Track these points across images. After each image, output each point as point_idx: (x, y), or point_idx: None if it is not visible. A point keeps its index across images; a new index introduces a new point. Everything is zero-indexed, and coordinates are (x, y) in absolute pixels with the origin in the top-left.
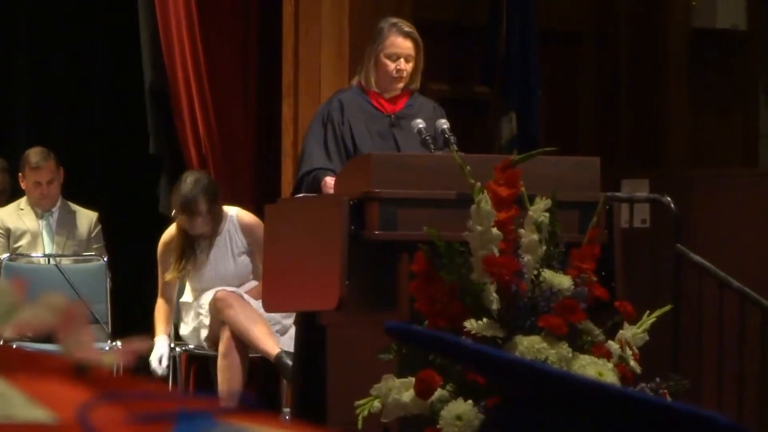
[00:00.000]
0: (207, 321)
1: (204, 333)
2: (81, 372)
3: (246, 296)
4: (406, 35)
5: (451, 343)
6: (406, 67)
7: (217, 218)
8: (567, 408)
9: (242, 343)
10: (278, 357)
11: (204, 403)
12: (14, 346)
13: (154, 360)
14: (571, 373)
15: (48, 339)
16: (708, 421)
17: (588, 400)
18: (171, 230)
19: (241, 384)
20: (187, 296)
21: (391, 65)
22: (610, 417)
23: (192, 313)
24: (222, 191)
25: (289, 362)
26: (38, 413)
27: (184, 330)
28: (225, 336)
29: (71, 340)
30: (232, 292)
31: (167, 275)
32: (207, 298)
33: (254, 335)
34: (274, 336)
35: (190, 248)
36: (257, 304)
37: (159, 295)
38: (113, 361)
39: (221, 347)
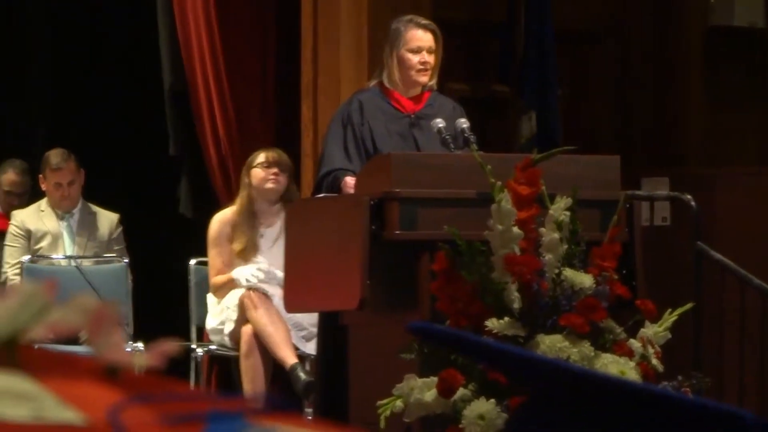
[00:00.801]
0: (234, 316)
1: (229, 327)
2: (112, 373)
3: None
4: (425, 27)
5: (473, 342)
6: (430, 59)
7: (288, 195)
8: (591, 406)
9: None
10: (292, 368)
11: (234, 404)
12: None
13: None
14: (595, 371)
15: (73, 340)
16: (734, 417)
17: (612, 398)
18: (231, 209)
19: (264, 385)
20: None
21: (415, 59)
22: (635, 414)
23: (219, 307)
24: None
25: (303, 375)
26: (69, 414)
27: (210, 323)
28: (246, 336)
29: (102, 341)
30: (262, 293)
31: (235, 245)
32: (236, 294)
33: (274, 340)
34: (292, 345)
35: (253, 228)
36: None
37: (212, 277)
38: (144, 363)
39: (243, 347)
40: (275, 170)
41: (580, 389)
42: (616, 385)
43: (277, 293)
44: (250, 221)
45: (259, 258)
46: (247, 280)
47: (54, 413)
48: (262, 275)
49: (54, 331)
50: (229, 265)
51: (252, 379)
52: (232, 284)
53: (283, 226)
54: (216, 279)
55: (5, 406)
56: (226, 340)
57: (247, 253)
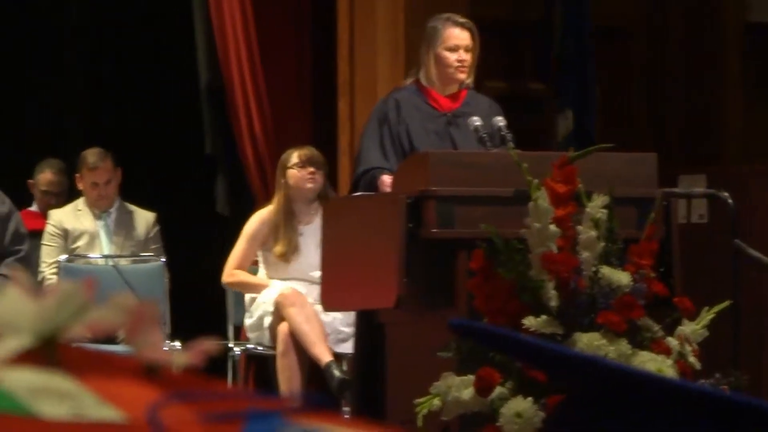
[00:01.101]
0: (271, 309)
1: (267, 321)
2: (150, 372)
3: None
4: (462, 26)
5: (513, 339)
6: (467, 57)
7: (324, 192)
8: (629, 403)
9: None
10: (327, 365)
11: (273, 403)
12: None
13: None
14: (635, 368)
15: (111, 340)
16: None
17: (650, 395)
18: (267, 209)
19: (300, 383)
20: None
21: (452, 57)
22: (674, 411)
23: (256, 303)
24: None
25: (337, 373)
26: (108, 412)
27: (248, 319)
28: (282, 335)
29: (140, 340)
30: (298, 292)
31: (277, 247)
32: (272, 292)
33: (309, 339)
34: (327, 342)
35: (293, 229)
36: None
37: (232, 267)
38: (182, 362)
39: (279, 346)
40: (311, 169)
41: (619, 386)
42: (654, 382)
43: (312, 294)
44: (289, 222)
45: (302, 260)
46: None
47: (93, 411)
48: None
49: (93, 330)
50: (246, 266)
51: (288, 377)
52: (251, 288)
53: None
54: (234, 273)
55: (45, 404)
56: (266, 335)
57: (288, 255)
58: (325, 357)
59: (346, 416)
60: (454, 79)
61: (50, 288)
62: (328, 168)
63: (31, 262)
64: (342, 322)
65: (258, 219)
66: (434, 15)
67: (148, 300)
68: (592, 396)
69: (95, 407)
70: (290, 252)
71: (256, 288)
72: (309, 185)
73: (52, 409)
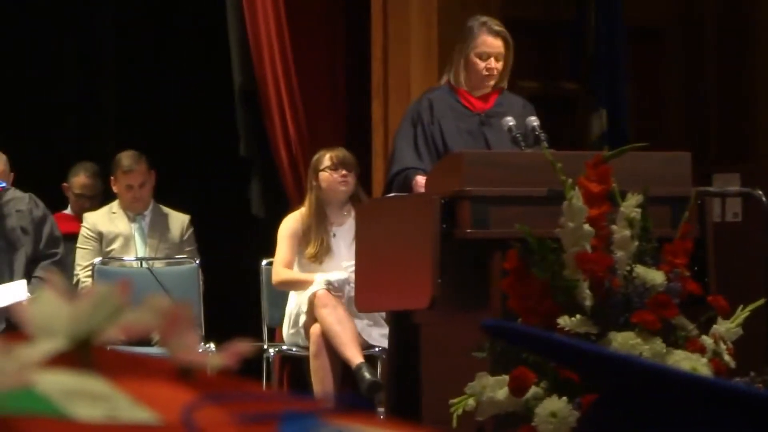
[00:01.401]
0: (305, 308)
1: (302, 320)
2: (185, 374)
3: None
4: (497, 34)
5: (547, 340)
6: (497, 65)
7: (356, 193)
8: (664, 402)
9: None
10: (358, 367)
11: (307, 404)
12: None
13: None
14: (669, 367)
15: (146, 342)
16: None
17: (686, 394)
18: (300, 212)
19: (333, 384)
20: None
21: (482, 64)
22: (709, 410)
23: (296, 301)
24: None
25: (368, 375)
26: (143, 414)
27: (286, 317)
28: (315, 335)
29: (175, 342)
30: (329, 294)
31: (309, 249)
32: (307, 292)
33: (340, 340)
34: (359, 344)
35: (325, 230)
36: None
37: (279, 267)
38: (218, 363)
39: (312, 347)
40: (344, 172)
41: (654, 385)
42: (689, 381)
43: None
44: (321, 224)
45: (334, 261)
46: (328, 281)
47: (128, 413)
48: (343, 276)
49: (127, 332)
50: (293, 264)
51: (321, 379)
52: (300, 285)
53: (355, 224)
54: (281, 274)
55: (80, 406)
56: (301, 333)
57: (321, 256)
58: (356, 359)
59: (381, 417)
60: (482, 86)
61: (85, 291)
62: (362, 170)
63: (66, 265)
64: (376, 323)
65: (291, 220)
66: (468, 16)
67: (183, 302)
68: (626, 395)
69: (129, 409)
70: (322, 253)
71: (305, 284)
72: (342, 188)
73: (86, 411)
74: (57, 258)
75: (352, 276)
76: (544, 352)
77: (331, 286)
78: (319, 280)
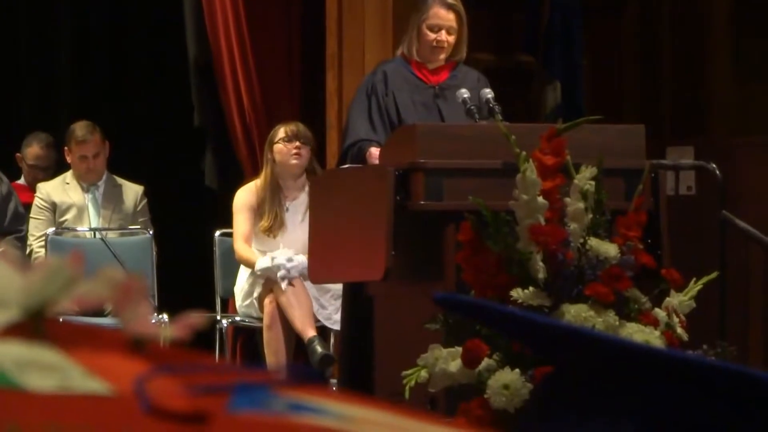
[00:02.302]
0: (260, 281)
1: (256, 292)
2: (138, 345)
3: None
4: (449, 7)
5: (499, 312)
6: (448, 38)
7: (311, 167)
8: (618, 373)
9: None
10: (310, 340)
11: (260, 376)
12: (67, 321)
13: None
14: (623, 338)
15: (99, 313)
16: (761, 381)
17: (640, 365)
18: (255, 183)
19: (287, 356)
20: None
21: (432, 36)
22: (663, 380)
23: (247, 273)
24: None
25: (319, 348)
26: (95, 385)
27: (237, 288)
28: (269, 308)
29: (128, 313)
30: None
31: (263, 222)
32: (264, 262)
33: (294, 313)
34: (312, 318)
35: (279, 204)
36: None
37: (240, 241)
38: (170, 335)
39: (265, 319)
40: (297, 144)
41: (607, 357)
42: (643, 352)
43: (298, 262)
44: (275, 196)
45: (288, 235)
46: (276, 271)
47: (80, 383)
48: (283, 264)
49: (80, 304)
50: (252, 236)
51: (275, 351)
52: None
53: (309, 198)
54: (242, 250)
55: (32, 377)
56: (255, 305)
57: (274, 230)
58: (308, 332)
59: (333, 389)
60: (432, 58)
61: (38, 262)
62: (316, 142)
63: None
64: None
65: (245, 192)
66: None
67: (136, 273)
68: (579, 367)
69: (82, 380)
70: (276, 227)
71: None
72: (294, 161)
73: (38, 382)
74: (21, 234)
75: (297, 257)
76: (495, 325)
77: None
78: (265, 261)
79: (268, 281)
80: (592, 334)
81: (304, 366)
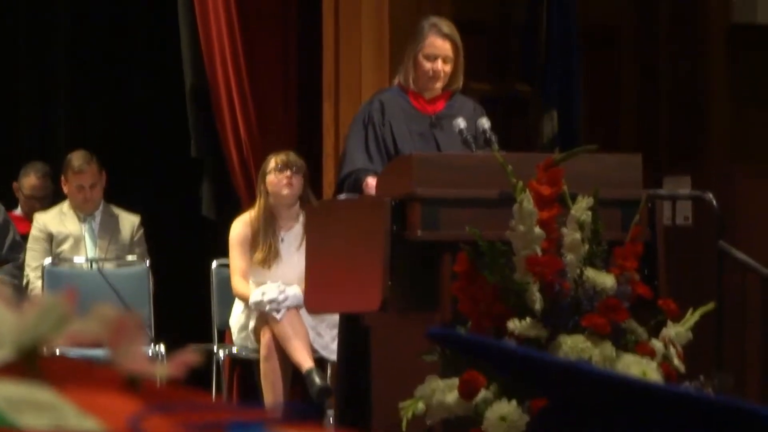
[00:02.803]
0: (255, 314)
1: (252, 323)
2: (132, 383)
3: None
4: (445, 36)
5: (493, 348)
6: (444, 68)
7: (305, 195)
8: (613, 408)
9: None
10: (308, 372)
11: (254, 414)
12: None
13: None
14: (617, 373)
15: (95, 345)
16: (758, 415)
17: (634, 400)
18: (249, 214)
19: (284, 388)
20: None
21: (428, 65)
22: (658, 416)
23: (242, 305)
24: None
25: (317, 380)
26: (89, 424)
27: (233, 320)
28: (265, 339)
29: (122, 351)
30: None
31: (257, 254)
32: (255, 296)
33: (291, 344)
34: (309, 349)
35: (273, 235)
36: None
37: (237, 276)
38: (165, 373)
39: (262, 351)
40: (288, 173)
41: (602, 391)
42: (638, 387)
43: (291, 295)
44: (269, 227)
45: (283, 266)
46: (267, 307)
47: (74, 423)
48: (275, 298)
49: (74, 341)
50: (249, 270)
51: (271, 382)
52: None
53: (303, 228)
54: (238, 286)
55: (26, 416)
56: (251, 337)
57: (269, 261)
58: (306, 364)
59: (330, 426)
60: (428, 87)
61: (32, 298)
62: (313, 171)
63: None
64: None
65: (240, 224)
66: (419, 18)
67: (131, 309)
68: (575, 401)
69: (76, 419)
70: (271, 258)
71: None
72: (285, 191)
73: (33, 421)
74: (19, 262)
75: (290, 289)
76: (489, 360)
77: (274, 311)
78: (256, 295)
79: (263, 313)
80: (587, 369)
81: (300, 403)
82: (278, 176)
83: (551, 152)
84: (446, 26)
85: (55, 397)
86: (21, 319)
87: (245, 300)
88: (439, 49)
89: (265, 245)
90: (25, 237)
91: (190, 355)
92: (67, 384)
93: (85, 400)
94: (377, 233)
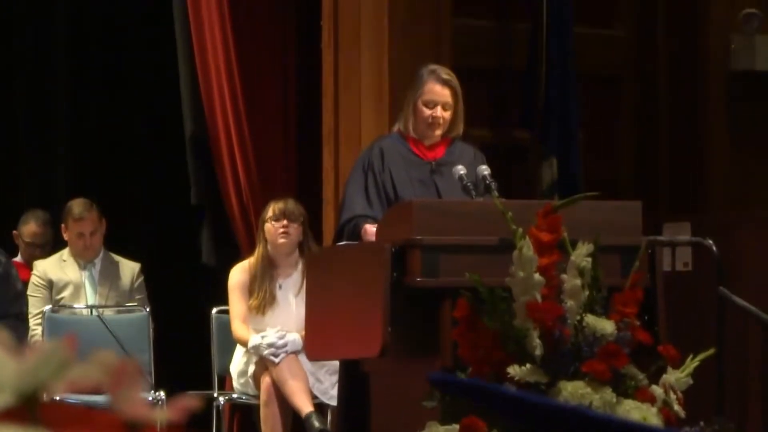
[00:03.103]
0: (255, 358)
1: (251, 369)
2: (132, 428)
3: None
4: (444, 83)
5: (494, 393)
6: (443, 114)
7: (305, 242)
8: None
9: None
10: (308, 416)
11: None
12: (63, 400)
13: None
14: (618, 417)
15: (96, 390)
16: None
17: None
18: (248, 261)
19: None
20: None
21: (428, 112)
22: None
23: (242, 351)
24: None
25: (317, 424)
26: None
27: (235, 365)
28: (265, 383)
29: (122, 396)
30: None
31: (252, 301)
32: (255, 340)
33: (290, 389)
34: (309, 393)
35: (271, 281)
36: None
37: (237, 321)
38: (165, 418)
39: (262, 395)
40: (284, 222)
41: None
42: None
43: (290, 340)
44: (266, 274)
45: (279, 313)
46: (264, 351)
47: None
48: (274, 343)
49: (74, 387)
50: (248, 316)
51: (272, 427)
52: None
53: (302, 275)
54: (237, 330)
55: None
56: (250, 383)
57: (264, 307)
58: (305, 408)
59: None
60: (428, 134)
61: (32, 345)
62: (313, 217)
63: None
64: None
65: (239, 271)
66: (419, 65)
67: (130, 356)
68: None
69: None
70: (266, 304)
71: None
72: (281, 240)
73: None
74: (21, 312)
75: (289, 335)
76: (490, 405)
77: (271, 356)
78: (255, 339)
79: (262, 359)
80: (587, 414)
81: None
82: (275, 225)
83: (551, 199)
84: (445, 73)
85: None
86: (21, 365)
87: (245, 344)
88: (439, 95)
89: (260, 292)
90: (25, 284)
91: (190, 400)
92: (66, 429)
93: None
94: (377, 280)
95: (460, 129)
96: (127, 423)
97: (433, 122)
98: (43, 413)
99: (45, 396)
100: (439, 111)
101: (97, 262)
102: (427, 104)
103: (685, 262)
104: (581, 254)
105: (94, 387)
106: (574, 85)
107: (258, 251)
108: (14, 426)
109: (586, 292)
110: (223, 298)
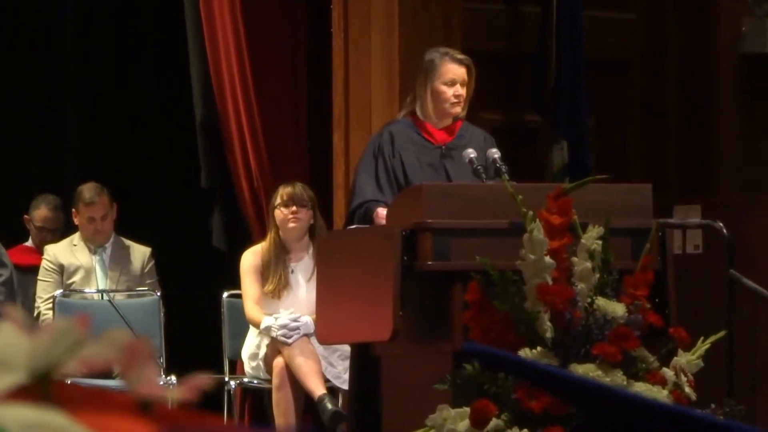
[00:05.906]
0: (267, 340)
1: (263, 352)
2: (145, 408)
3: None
4: (460, 62)
5: (525, 365)
6: (463, 91)
7: (314, 228)
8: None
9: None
10: (320, 398)
11: None
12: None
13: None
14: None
15: (107, 375)
16: None
17: (654, 421)
18: (260, 245)
19: (296, 417)
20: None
21: (449, 91)
22: None
23: (255, 334)
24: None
25: (330, 405)
26: None
27: (245, 349)
28: (278, 367)
29: (135, 375)
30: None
31: (267, 285)
32: (267, 321)
33: (303, 371)
34: (321, 376)
35: (284, 266)
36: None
37: (250, 302)
38: (177, 397)
39: (274, 379)
40: (293, 208)
41: (624, 411)
42: (657, 408)
43: (303, 323)
44: (279, 258)
45: (293, 296)
46: (277, 333)
47: None
48: (287, 324)
49: (87, 366)
50: (261, 298)
51: (284, 411)
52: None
53: (313, 259)
54: (251, 312)
55: None
56: (262, 366)
57: (279, 291)
58: (318, 390)
59: None
60: (450, 113)
61: (45, 324)
62: (323, 202)
63: (13, 287)
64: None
65: (251, 254)
66: (429, 48)
67: (143, 335)
68: (599, 421)
69: None
70: (281, 288)
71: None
72: (290, 225)
73: None
74: (3, 279)
75: (302, 318)
76: (522, 377)
77: (283, 337)
78: (268, 320)
79: (274, 342)
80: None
81: (313, 426)
82: (284, 211)
83: (561, 182)
84: (457, 53)
85: (68, 422)
86: (34, 344)
87: (257, 325)
88: (457, 74)
89: (275, 276)
90: (36, 269)
91: (202, 379)
92: (79, 408)
93: (97, 423)
94: (388, 264)
95: (465, 110)
96: (140, 401)
97: (457, 100)
98: (56, 391)
99: (58, 374)
100: (459, 89)
101: (108, 246)
102: (447, 84)
103: (695, 244)
104: (592, 237)
105: (107, 367)
106: (585, 68)
107: (270, 236)
108: (28, 404)
109: (597, 275)
110: (234, 282)
